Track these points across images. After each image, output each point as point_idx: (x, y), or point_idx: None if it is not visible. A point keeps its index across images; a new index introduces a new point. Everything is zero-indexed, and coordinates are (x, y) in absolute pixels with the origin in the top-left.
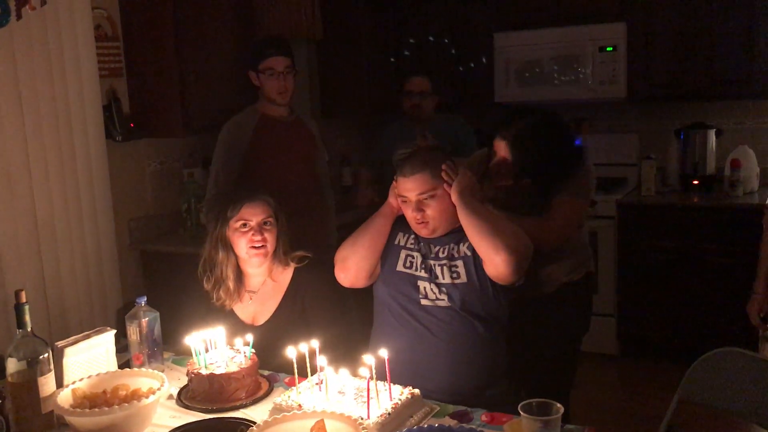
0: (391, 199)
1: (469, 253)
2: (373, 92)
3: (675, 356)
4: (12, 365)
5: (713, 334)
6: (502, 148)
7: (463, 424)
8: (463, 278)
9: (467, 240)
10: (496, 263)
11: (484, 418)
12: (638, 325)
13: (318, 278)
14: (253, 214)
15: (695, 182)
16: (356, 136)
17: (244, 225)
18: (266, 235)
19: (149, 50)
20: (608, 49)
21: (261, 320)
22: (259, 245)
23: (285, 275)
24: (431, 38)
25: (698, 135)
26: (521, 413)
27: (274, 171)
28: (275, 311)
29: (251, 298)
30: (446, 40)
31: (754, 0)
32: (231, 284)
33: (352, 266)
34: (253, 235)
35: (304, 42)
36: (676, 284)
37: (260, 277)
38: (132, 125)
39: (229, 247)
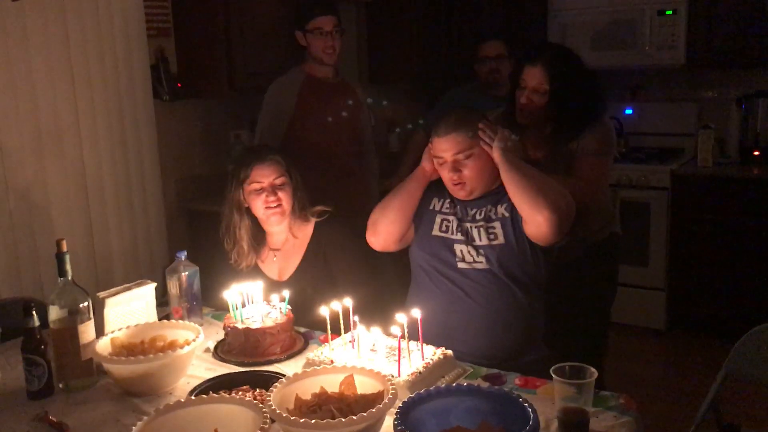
0: (425, 163)
1: (507, 214)
2: (421, 58)
3: (723, 333)
4: (54, 312)
5: (765, 310)
6: (535, 76)
7: (495, 386)
8: (501, 239)
9: (504, 201)
10: (539, 222)
11: (517, 381)
12: (688, 300)
13: (339, 231)
14: (263, 176)
15: (756, 153)
16: (404, 101)
17: (260, 188)
18: (280, 194)
19: (197, 10)
20: (668, 12)
21: (286, 276)
22: (275, 205)
23: (306, 230)
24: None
25: (761, 104)
26: (554, 377)
27: (319, 133)
28: (298, 266)
29: (275, 256)
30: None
31: None
32: (245, 245)
33: (381, 230)
34: (267, 195)
35: (353, 4)
36: (730, 259)
37: (282, 234)
38: (179, 85)
39: (242, 209)
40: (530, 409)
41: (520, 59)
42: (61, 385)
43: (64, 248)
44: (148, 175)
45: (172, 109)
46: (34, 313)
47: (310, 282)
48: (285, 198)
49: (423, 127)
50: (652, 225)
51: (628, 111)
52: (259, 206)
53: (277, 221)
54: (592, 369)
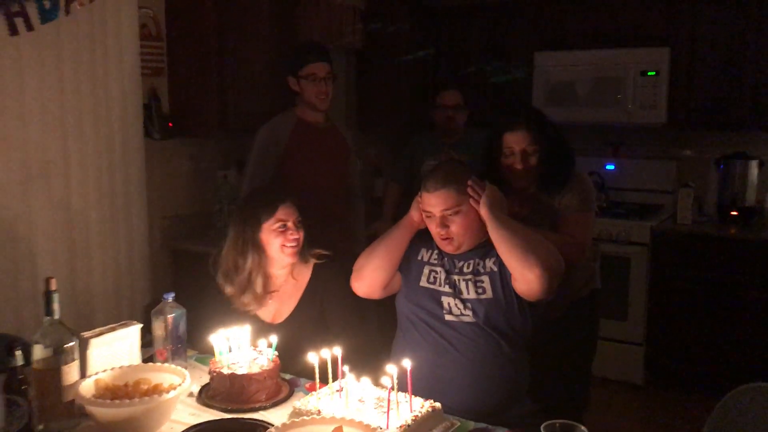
0: (413, 213)
1: (495, 269)
2: (409, 106)
3: (703, 389)
4: (38, 352)
5: (744, 368)
6: (519, 140)
7: None
8: (489, 294)
9: (493, 255)
10: (529, 280)
11: None
12: (667, 356)
13: (337, 276)
14: (288, 214)
15: (733, 213)
16: (389, 147)
17: (282, 225)
18: (299, 233)
19: (191, 51)
20: (650, 73)
21: (280, 319)
22: (295, 244)
23: (305, 273)
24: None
25: (739, 165)
26: None
27: (307, 176)
28: (294, 309)
29: (271, 298)
30: (485, 56)
31: None
32: (259, 289)
33: (366, 276)
34: (290, 234)
35: (343, 51)
36: (709, 316)
37: (282, 276)
38: (170, 124)
39: (262, 250)
40: None
41: (496, 128)
42: (41, 427)
43: (53, 287)
44: (135, 213)
45: (161, 147)
46: (18, 352)
47: (303, 326)
48: (301, 237)
49: (393, 176)
50: (631, 280)
51: (610, 166)
52: (276, 245)
53: (291, 259)
54: (582, 427)
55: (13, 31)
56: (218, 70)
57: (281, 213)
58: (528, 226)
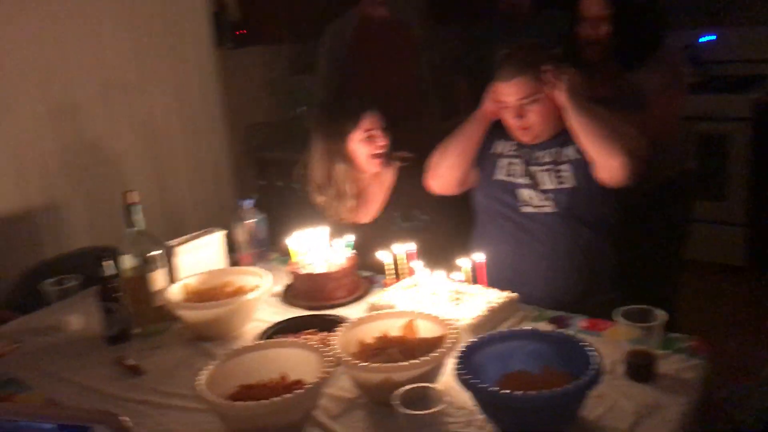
0: (486, 104)
1: (576, 157)
2: None
3: None
4: (126, 261)
5: None
6: (595, 6)
7: (560, 329)
8: (570, 183)
9: (573, 143)
10: (612, 168)
11: (583, 324)
12: None
13: (420, 177)
14: (373, 122)
15: None
16: (465, 38)
17: (369, 134)
18: (385, 140)
19: None
20: None
21: (365, 219)
22: (381, 152)
23: (388, 175)
24: None
25: None
26: (621, 319)
27: (376, 76)
28: (380, 210)
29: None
30: None
31: None
32: (351, 198)
33: (441, 173)
34: (377, 142)
35: None
36: None
37: (367, 179)
38: (242, 32)
39: (349, 161)
40: (593, 353)
41: None
42: (136, 331)
43: (131, 200)
44: (216, 124)
45: (237, 56)
46: (108, 262)
47: (387, 226)
48: (386, 144)
49: (461, 67)
50: (730, 158)
51: (708, 37)
52: (364, 154)
53: (379, 168)
54: (661, 311)
55: None
56: None
57: (366, 122)
58: (610, 109)
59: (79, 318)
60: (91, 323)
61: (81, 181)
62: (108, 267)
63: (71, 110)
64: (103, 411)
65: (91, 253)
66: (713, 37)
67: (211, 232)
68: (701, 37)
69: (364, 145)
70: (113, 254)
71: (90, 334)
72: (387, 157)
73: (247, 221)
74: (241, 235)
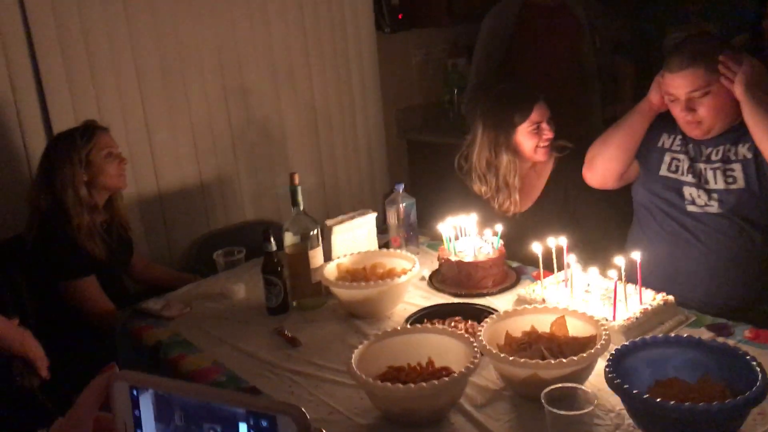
0: (652, 95)
1: (749, 156)
2: None
3: None
4: (288, 238)
5: None
6: None
7: (720, 338)
8: (741, 183)
9: (747, 140)
10: None
11: (747, 334)
12: None
13: (580, 167)
14: (542, 114)
15: None
16: (632, 20)
17: (537, 126)
18: (552, 132)
19: None
20: None
21: (522, 209)
22: (548, 144)
23: (547, 164)
24: None
25: None
26: None
27: (536, 60)
28: (537, 200)
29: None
30: None
31: None
32: (515, 189)
33: (600, 166)
34: (545, 134)
35: None
36: None
37: (525, 168)
38: (400, 16)
39: (514, 152)
40: (758, 368)
41: None
42: (294, 304)
43: (296, 181)
44: (371, 107)
45: (392, 40)
46: (272, 238)
47: (544, 217)
48: (553, 135)
49: (628, 51)
50: None
51: None
52: (531, 146)
53: (545, 159)
54: None
55: None
56: None
57: (536, 114)
58: None
59: (244, 288)
60: (254, 293)
61: (248, 159)
62: (272, 243)
63: (242, 93)
64: (289, 404)
65: (255, 227)
66: None
67: (364, 213)
68: None
69: (531, 137)
70: (276, 230)
71: (253, 304)
72: (551, 147)
73: (399, 204)
74: (392, 218)
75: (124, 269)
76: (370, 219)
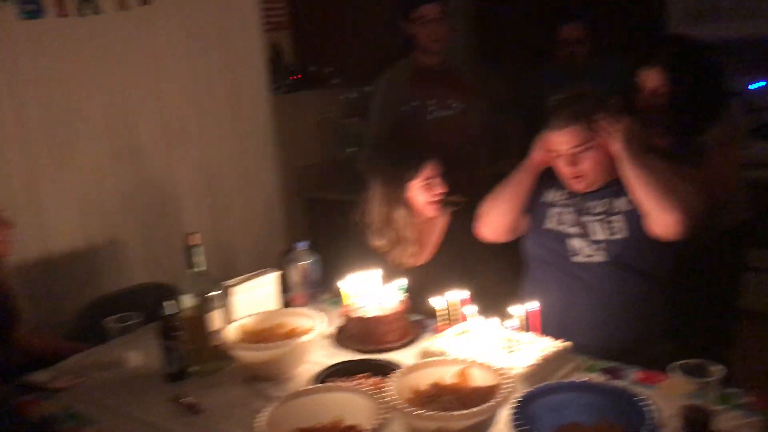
0: (537, 152)
1: (629, 207)
2: (532, 36)
3: None
4: (186, 301)
5: None
6: (653, 78)
7: (613, 381)
8: (623, 234)
9: (626, 193)
10: (667, 223)
11: (637, 376)
12: None
13: (472, 222)
14: (433, 170)
15: None
16: (515, 83)
17: (428, 182)
18: (443, 188)
19: (312, 3)
20: None
21: (419, 262)
22: (439, 199)
23: (441, 219)
24: None
25: None
26: (675, 373)
27: (430, 121)
28: (434, 254)
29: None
30: None
31: None
32: (411, 242)
33: (491, 221)
34: (435, 189)
35: None
36: None
37: (422, 223)
38: (295, 77)
39: (408, 207)
40: (650, 408)
41: (635, 59)
42: (194, 369)
43: (194, 241)
44: (268, 166)
45: (288, 100)
46: (169, 301)
47: (440, 270)
48: (444, 191)
49: (516, 112)
50: None
51: (758, 84)
52: (422, 200)
53: (436, 213)
54: (717, 365)
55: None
56: (339, 20)
57: (426, 170)
58: (667, 161)
59: (139, 354)
60: (151, 360)
61: (140, 220)
62: (169, 306)
63: (133, 152)
64: None
65: (149, 290)
66: (763, 83)
67: (265, 273)
68: (750, 84)
69: (423, 192)
70: (173, 293)
71: (149, 371)
72: (442, 203)
73: (301, 263)
74: (294, 276)
75: (6, 341)
76: (271, 278)
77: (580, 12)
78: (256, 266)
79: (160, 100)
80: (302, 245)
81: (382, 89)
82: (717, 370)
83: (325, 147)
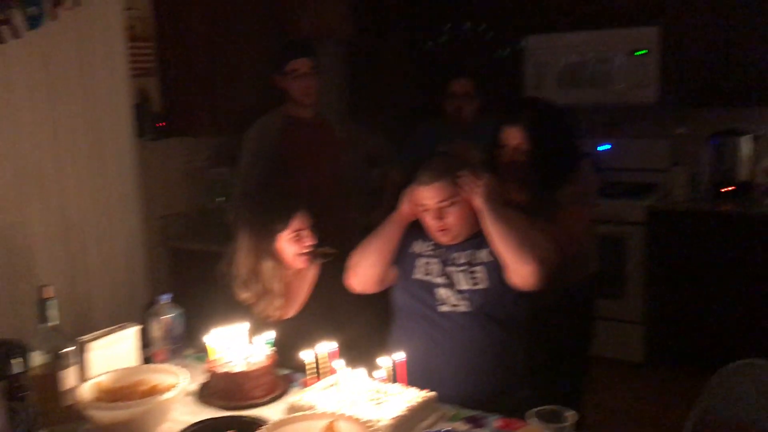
0: (404, 206)
1: (490, 259)
2: (403, 92)
3: (702, 366)
4: (36, 358)
5: (742, 344)
6: (515, 136)
7: (475, 429)
8: (484, 284)
9: (487, 244)
10: (524, 274)
11: (497, 424)
12: (666, 333)
13: (342, 274)
14: (303, 222)
15: (727, 189)
16: (385, 136)
17: (297, 234)
18: (313, 240)
19: (181, 50)
20: (641, 52)
21: (287, 315)
22: (309, 251)
23: (310, 271)
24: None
25: (731, 141)
26: (532, 419)
27: (299, 172)
28: (303, 306)
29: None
30: (480, 32)
31: None
32: (278, 296)
33: (361, 273)
34: (305, 242)
35: (334, 41)
36: (706, 292)
37: (290, 275)
38: (162, 124)
39: (276, 259)
40: None
41: (499, 117)
42: None
43: (47, 294)
44: (130, 214)
45: (154, 147)
46: (17, 358)
47: (310, 323)
48: (314, 243)
49: (398, 163)
50: (628, 259)
51: (605, 146)
52: (291, 253)
53: (305, 265)
54: (571, 412)
55: (0, 40)
56: (208, 68)
57: (296, 222)
58: (525, 216)
59: None
60: None
61: None
62: (16, 364)
63: None
64: None
65: None
66: (609, 147)
67: (125, 327)
68: (599, 146)
69: (292, 244)
70: (20, 349)
71: None
72: (312, 255)
73: (163, 316)
74: (156, 330)
75: None
76: (130, 333)
77: (467, 70)
78: (115, 320)
79: (16, 145)
80: (165, 298)
81: (252, 139)
82: (571, 416)
83: (192, 196)
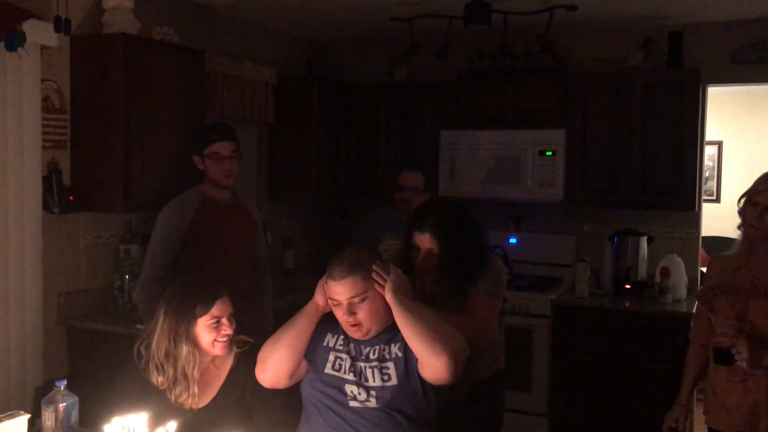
0: (318, 298)
1: (400, 354)
2: (320, 177)
3: None
4: None
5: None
6: (425, 241)
7: None
8: (394, 380)
9: (399, 339)
10: (437, 367)
11: None
12: (570, 426)
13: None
14: (223, 310)
15: (627, 287)
16: (301, 219)
17: (216, 321)
18: (232, 328)
19: (95, 125)
20: (548, 153)
21: (200, 404)
22: (226, 339)
23: (227, 359)
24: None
25: (631, 241)
26: None
27: (213, 254)
28: (215, 395)
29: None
30: (393, 132)
31: (682, 124)
32: (193, 382)
33: (271, 366)
34: (223, 329)
35: (255, 123)
36: (608, 386)
37: (205, 363)
38: (71, 198)
39: (193, 344)
40: None
41: (409, 225)
42: None
43: None
44: (29, 290)
45: (61, 221)
46: None
47: (222, 412)
48: (232, 331)
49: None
50: (534, 351)
51: (512, 240)
52: (209, 340)
53: (222, 353)
54: None
55: None
56: (123, 144)
57: (217, 309)
58: (436, 309)
59: None
60: None
61: None
62: None
63: None
64: None
65: None
66: (515, 240)
67: (14, 415)
68: (509, 239)
69: (210, 331)
70: None
71: None
72: (230, 343)
73: (59, 404)
74: (48, 419)
75: None
76: (19, 422)
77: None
78: (5, 403)
79: None
80: (60, 384)
81: (165, 217)
82: None
83: (98, 272)
